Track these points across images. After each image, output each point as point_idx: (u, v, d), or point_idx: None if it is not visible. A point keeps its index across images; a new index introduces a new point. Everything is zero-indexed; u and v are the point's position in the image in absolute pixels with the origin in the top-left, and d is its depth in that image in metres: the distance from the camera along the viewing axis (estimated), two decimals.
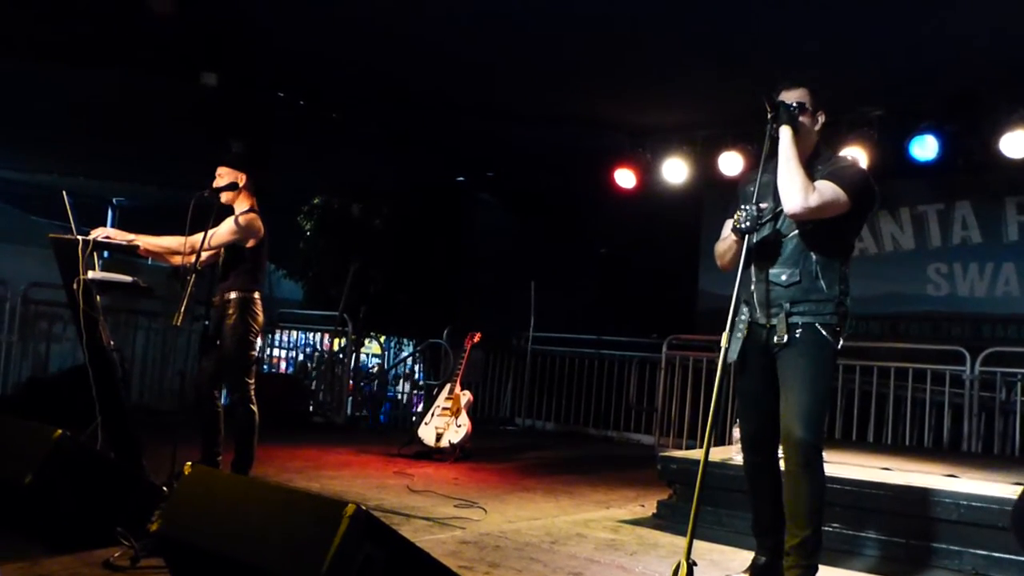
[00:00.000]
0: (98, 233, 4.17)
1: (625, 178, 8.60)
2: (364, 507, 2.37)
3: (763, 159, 3.39)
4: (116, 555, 3.19)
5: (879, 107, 7.18)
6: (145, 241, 4.38)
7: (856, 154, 7.02)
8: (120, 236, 4.33)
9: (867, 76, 6.59)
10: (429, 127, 8.83)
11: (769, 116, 3.33)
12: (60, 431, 3.29)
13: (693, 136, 8.14)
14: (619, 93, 7.42)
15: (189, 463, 2.77)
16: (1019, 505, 1.63)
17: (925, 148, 7.08)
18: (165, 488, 3.57)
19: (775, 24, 5.87)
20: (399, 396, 11.38)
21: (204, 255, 4.33)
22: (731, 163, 7.70)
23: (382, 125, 8.74)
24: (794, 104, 3.34)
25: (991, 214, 8.67)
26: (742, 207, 3.31)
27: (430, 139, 9.32)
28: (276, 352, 11.01)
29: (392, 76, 7.41)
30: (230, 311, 4.47)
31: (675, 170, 8.25)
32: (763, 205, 3.36)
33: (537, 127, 8.40)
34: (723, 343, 3.29)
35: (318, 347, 11.23)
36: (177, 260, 4.41)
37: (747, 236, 3.30)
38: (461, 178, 11.19)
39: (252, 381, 4.56)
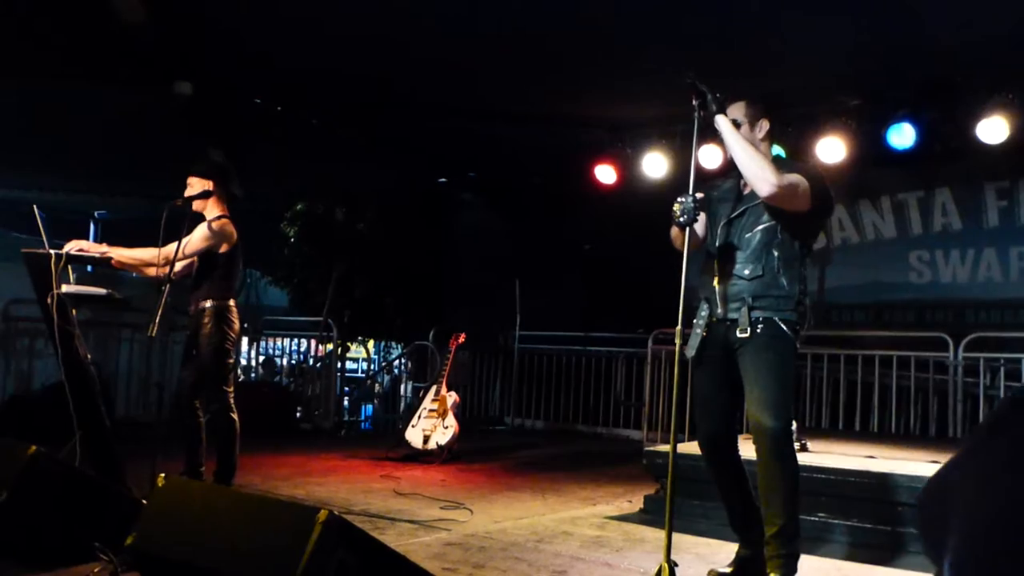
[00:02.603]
0: (71, 247, 4.16)
1: (606, 174, 8.60)
2: (340, 512, 2.36)
3: (695, 147, 3.29)
4: (95, 571, 3.17)
5: (855, 96, 7.19)
6: (119, 253, 4.36)
7: (834, 144, 7.05)
8: (93, 249, 4.32)
9: (843, 66, 6.60)
10: (409, 129, 8.80)
11: (696, 104, 3.29)
12: (35, 447, 3.27)
13: (671, 129, 8.14)
14: (596, 87, 7.41)
15: (162, 475, 2.75)
16: (930, 489, 1.08)
17: (903, 136, 7.08)
18: (145, 501, 3.54)
19: (750, 15, 5.87)
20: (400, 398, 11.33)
21: (179, 265, 4.31)
22: (710, 156, 7.69)
23: (361, 128, 8.71)
24: (716, 94, 3.30)
25: (971, 200, 8.70)
26: (678, 199, 3.26)
27: (410, 141, 9.29)
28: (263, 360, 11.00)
29: (369, 78, 7.38)
30: (205, 320, 4.46)
31: (655, 164, 8.24)
32: (699, 195, 3.30)
33: (517, 125, 8.38)
34: (677, 339, 3.27)
35: (304, 353, 11.23)
36: (152, 272, 4.38)
37: (688, 228, 3.27)
38: (443, 179, 11.17)
39: (231, 389, 4.55)
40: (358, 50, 6.70)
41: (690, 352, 3.41)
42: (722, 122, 3.30)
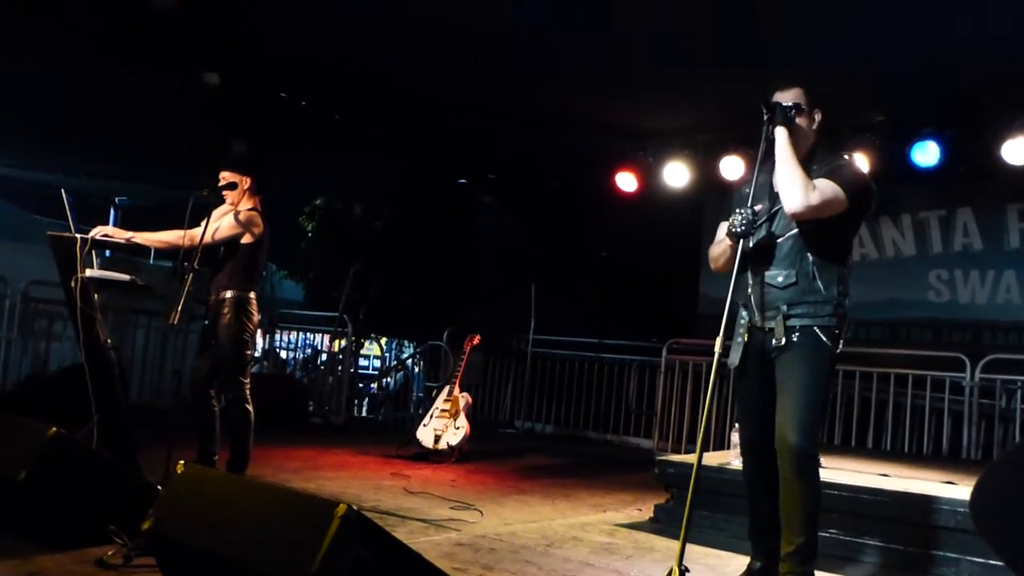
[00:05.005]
0: (97, 231, 4.19)
1: (626, 181, 8.59)
2: (356, 508, 2.36)
3: (759, 161, 3.36)
4: (109, 553, 3.18)
5: (881, 112, 7.16)
6: (144, 238, 4.40)
7: (858, 159, 7.01)
8: (119, 234, 4.35)
9: (869, 81, 6.58)
10: (432, 129, 8.82)
11: (765, 117, 3.32)
12: (55, 428, 3.29)
13: (695, 140, 8.13)
14: (621, 96, 7.41)
15: (182, 462, 2.76)
16: (979, 496, 1.28)
17: (927, 154, 7.05)
18: (160, 487, 3.56)
19: (777, 29, 5.86)
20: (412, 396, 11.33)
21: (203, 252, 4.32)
22: (732, 167, 7.68)
23: (384, 127, 8.73)
24: (790, 105, 3.32)
25: (992, 221, 8.64)
26: (737, 210, 3.29)
27: (433, 141, 9.31)
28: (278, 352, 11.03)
29: (394, 78, 7.41)
30: (225, 310, 4.47)
31: (676, 174, 8.23)
32: (758, 207, 3.33)
33: (539, 129, 8.39)
34: (716, 348, 3.26)
35: (318, 348, 11.25)
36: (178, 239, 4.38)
37: (742, 239, 3.29)
38: (463, 180, 11.18)
39: (247, 380, 4.55)
40: (383, 49, 6.72)
41: (734, 362, 3.39)
42: (781, 134, 3.29)
